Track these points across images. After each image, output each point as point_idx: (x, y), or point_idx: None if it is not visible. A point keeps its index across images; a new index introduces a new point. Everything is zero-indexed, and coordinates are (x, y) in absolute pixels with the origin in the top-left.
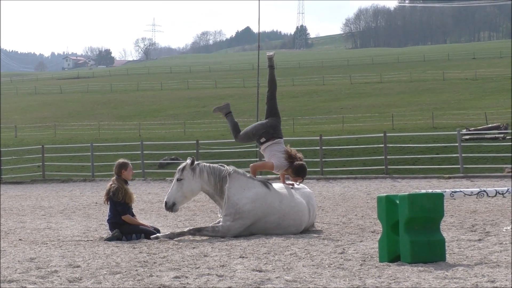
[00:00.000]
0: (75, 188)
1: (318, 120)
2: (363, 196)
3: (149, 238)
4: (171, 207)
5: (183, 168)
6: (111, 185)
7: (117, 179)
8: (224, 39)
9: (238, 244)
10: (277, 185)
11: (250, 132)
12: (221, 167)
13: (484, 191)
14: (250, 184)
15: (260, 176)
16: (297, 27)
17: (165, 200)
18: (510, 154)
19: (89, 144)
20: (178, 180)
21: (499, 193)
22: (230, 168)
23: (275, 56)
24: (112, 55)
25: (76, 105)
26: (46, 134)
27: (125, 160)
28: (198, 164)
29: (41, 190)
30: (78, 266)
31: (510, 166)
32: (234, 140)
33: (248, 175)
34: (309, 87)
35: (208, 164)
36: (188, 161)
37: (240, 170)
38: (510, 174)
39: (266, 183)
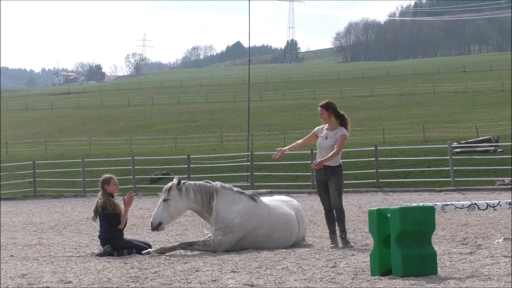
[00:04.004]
0: (66, 203)
1: (308, 134)
2: (354, 209)
3: (141, 253)
4: (156, 227)
5: (170, 188)
6: (97, 201)
7: (103, 193)
8: (214, 54)
9: (230, 258)
10: (265, 198)
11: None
12: (207, 183)
13: (475, 204)
14: (238, 198)
15: (248, 191)
16: (288, 41)
17: (151, 220)
18: (501, 167)
19: (80, 160)
20: (164, 200)
21: (490, 206)
22: (217, 184)
23: (266, 71)
24: (103, 70)
25: (67, 120)
26: (37, 150)
27: (109, 175)
28: (184, 183)
29: (32, 206)
30: (70, 282)
31: (502, 179)
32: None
33: (235, 189)
34: (300, 101)
35: (193, 182)
36: (175, 181)
37: (226, 185)
38: (502, 187)
39: (254, 197)
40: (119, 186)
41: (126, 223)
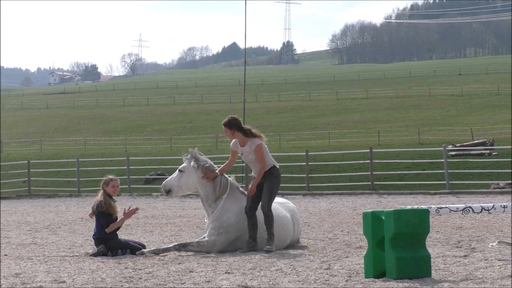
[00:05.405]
0: (60, 203)
1: (304, 135)
2: (349, 212)
3: (135, 254)
4: (166, 192)
5: (188, 161)
6: (96, 198)
7: (103, 193)
8: (210, 55)
9: (224, 259)
10: None
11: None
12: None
13: (470, 207)
14: (237, 197)
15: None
16: (284, 43)
17: (163, 183)
18: (496, 170)
19: (75, 160)
20: (179, 170)
21: (485, 209)
22: (231, 179)
23: (261, 72)
24: (99, 70)
25: (62, 120)
26: (32, 149)
27: (110, 177)
28: (205, 166)
29: (27, 206)
30: (64, 282)
31: (497, 182)
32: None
33: (240, 188)
34: (296, 102)
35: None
36: (192, 153)
37: (235, 182)
38: (496, 190)
39: None
40: (119, 189)
41: (117, 230)
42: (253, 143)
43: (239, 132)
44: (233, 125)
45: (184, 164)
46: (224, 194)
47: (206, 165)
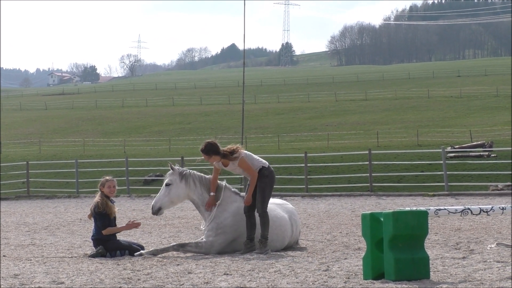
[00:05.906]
0: (59, 204)
1: (303, 137)
2: (347, 213)
3: (133, 255)
4: (156, 211)
5: (171, 173)
6: (94, 200)
7: (100, 194)
8: (209, 56)
9: (223, 261)
10: None
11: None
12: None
13: (468, 209)
14: (233, 198)
15: (243, 193)
16: (283, 44)
17: (152, 204)
18: (494, 172)
19: (74, 161)
20: (166, 185)
21: (483, 211)
22: (223, 182)
23: (260, 73)
24: (98, 71)
25: (61, 121)
26: (31, 150)
27: (106, 178)
28: (189, 172)
29: (26, 206)
30: (62, 283)
31: (496, 184)
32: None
33: (233, 189)
34: (294, 104)
35: (199, 174)
36: (170, 166)
37: (227, 184)
38: (495, 192)
39: None
40: (116, 189)
41: (113, 234)
42: (237, 162)
43: (217, 156)
44: (210, 151)
45: (169, 177)
46: (217, 192)
47: (191, 172)
